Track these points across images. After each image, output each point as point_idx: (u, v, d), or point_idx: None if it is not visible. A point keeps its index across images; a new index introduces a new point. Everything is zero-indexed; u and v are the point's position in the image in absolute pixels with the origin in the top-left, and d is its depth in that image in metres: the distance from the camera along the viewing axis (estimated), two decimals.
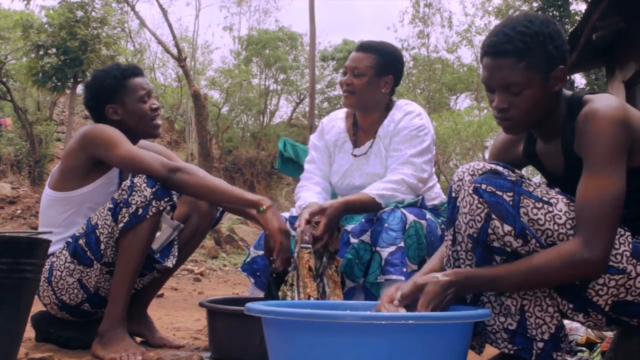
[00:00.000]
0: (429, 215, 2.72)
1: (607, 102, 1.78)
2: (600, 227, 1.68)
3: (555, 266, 1.70)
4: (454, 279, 1.74)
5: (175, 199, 2.63)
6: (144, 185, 2.51)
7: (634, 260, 1.73)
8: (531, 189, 1.79)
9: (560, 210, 1.76)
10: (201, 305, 2.56)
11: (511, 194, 1.77)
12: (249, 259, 2.88)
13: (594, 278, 1.73)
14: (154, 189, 2.51)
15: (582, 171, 1.77)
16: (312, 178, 3.00)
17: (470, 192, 1.80)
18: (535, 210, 1.76)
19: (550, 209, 1.76)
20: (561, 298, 1.79)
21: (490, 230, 1.78)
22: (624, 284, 1.74)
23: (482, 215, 1.78)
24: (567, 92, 1.93)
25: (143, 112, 2.75)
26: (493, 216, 1.76)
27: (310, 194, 2.87)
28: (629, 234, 1.77)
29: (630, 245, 1.75)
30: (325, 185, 3.00)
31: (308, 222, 2.44)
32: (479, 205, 1.78)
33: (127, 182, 2.54)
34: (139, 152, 2.59)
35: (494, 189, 1.78)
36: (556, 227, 1.75)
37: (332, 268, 2.46)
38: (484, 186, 1.79)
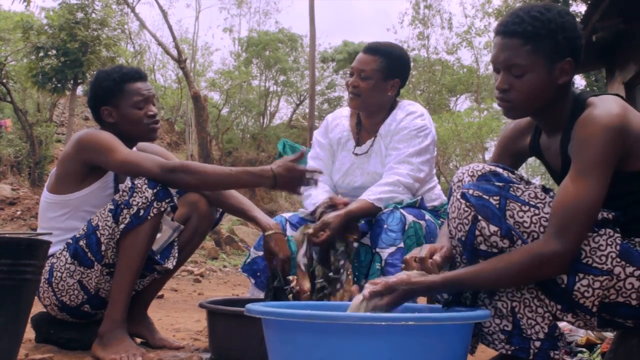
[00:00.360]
0: (428, 216, 2.73)
1: (607, 109, 1.77)
2: (569, 228, 1.70)
3: (519, 261, 1.72)
4: (416, 287, 1.77)
5: (175, 200, 2.62)
6: (145, 186, 2.50)
7: (623, 262, 1.74)
8: (519, 193, 1.82)
9: (547, 214, 1.78)
10: (201, 306, 2.56)
11: (497, 197, 1.80)
12: (249, 260, 2.89)
13: (558, 274, 1.74)
14: (155, 190, 2.51)
15: (568, 172, 1.79)
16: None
17: (458, 197, 1.85)
18: (521, 213, 1.78)
19: (537, 212, 1.79)
20: (549, 300, 1.80)
21: (477, 232, 1.80)
22: (614, 285, 1.74)
23: (469, 218, 1.81)
24: (576, 90, 1.94)
25: (137, 118, 2.72)
26: (479, 217, 1.79)
27: (320, 191, 2.87)
28: (618, 235, 1.77)
29: (618, 247, 1.75)
30: (330, 183, 3.00)
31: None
32: (466, 209, 1.82)
33: (128, 183, 2.53)
34: (134, 155, 2.58)
35: (480, 193, 1.81)
36: (542, 229, 1.78)
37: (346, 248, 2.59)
38: (471, 191, 1.83)
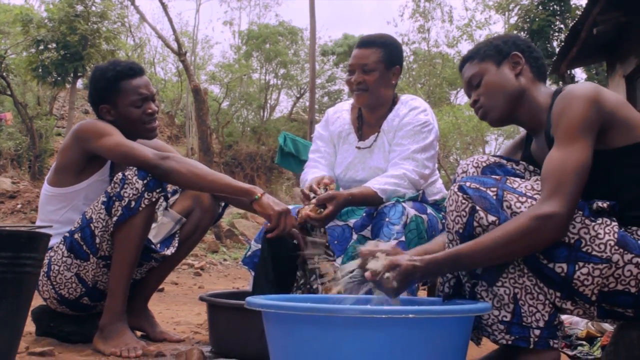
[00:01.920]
0: (430, 210, 2.72)
1: (579, 85, 1.89)
2: (560, 189, 1.73)
3: (516, 227, 1.72)
4: (419, 264, 1.77)
5: (167, 189, 2.62)
6: (136, 177, 2.50)
7: (621, 250, 1.75)
8: (515, 185, 1.85)
9: None
10: (201, 299, 2.56)
11: (495, 189, 1.83)
12: (249, 252, 2.88)
13: (556, 237, 1.74)
14: (145, 181, 2.50)
15: None
16: (317, 166, 3.00)
17: (456, 190, 1.87)
18: (518, 204, 1.80)
19: (534, 203, 1.80)
20: (547, 287, 1.80)
21: (475, 223, 1.82)
22: (612, 273, 1.75)
23: (467, 209, 1.84)
24: (552, 88, 2.05)
25: (134, 116, 2.70)
26: (477, 208, 1.82)
27: (317, 175, 2.87)
28: (615, 223, 1.78)
29: (616, 235, 1.76)
30: (330, 174, 2.99)
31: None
32: (464, 201, 1.85)
33: (119, 175, 2.53)
34: (130, 142, 2.59)
35: (477, 186, 1.85)
36: None
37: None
38: (468, 183, 1.86)
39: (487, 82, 2.07)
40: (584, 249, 1.75)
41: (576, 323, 2.82)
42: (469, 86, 2.14)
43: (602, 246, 1.75)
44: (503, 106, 2.05)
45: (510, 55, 2.07)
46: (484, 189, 1.83)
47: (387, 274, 1.75)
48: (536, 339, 1.81)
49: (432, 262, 1.79)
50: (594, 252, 1.75)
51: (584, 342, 2.68)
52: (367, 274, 1.78)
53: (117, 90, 2.69)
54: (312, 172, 2.93)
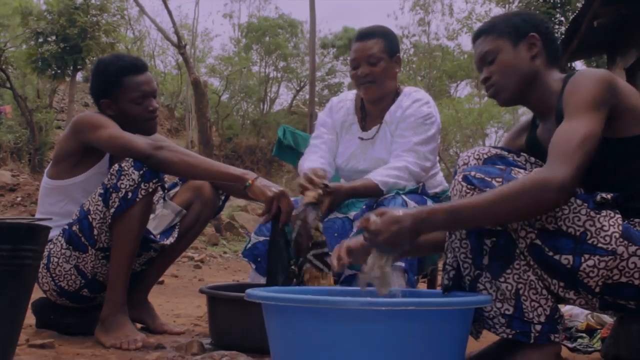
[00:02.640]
0: (429, 203, 2.72)
1: (594, 69, 1.89)
2: (565, 155, 1.71)
3: (520, 185, 1.70)
4: (409, 212, 1.73)
5: (164, 179, 2.62)
6: (132, 168, 2.49)
7: (625, 242, 1.75)
8: (520, 176, 1.83)
9: None
10: (201, 291, 2.56)
11: (500, 179, 1.82)
12: (249, 245, 2.88)
13: (557, 201, 1.71)
14: (141, 172, 2.49)
15: None
16: (317, 152, 2.99)
17: (460, 180, 1.85)
18: None
19: None
20: (551, 278, 1.80)
21: None
22: (617, 265, 1.75)
23: None
24: (563, 74, 2.02)
25: (134, 113, 2.70)
26: None
27: (315, 160, 2.88)
28: (619, 216, 1.78)
29: (620, 227, 1.76)
30: (329, 160, 2.99)
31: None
32: (468, 191, 1.83)
33: (116, 167, 2.52)
34: (125, 133, 2.58)
35: (482, 176, 1.83)
36: None
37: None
38: (473, 173, 1.84)
39: (502, 61, 2.03)
40: (590, 241, 1.75)
41: (576, 315, 2.82)
42: (481, 61, 2.09)
43: (608, 238, 1.74)
44: (515, 87, 2.03)
45: (528, 36, 2.02)
46: (489, 179, 1.81)
47: (373, 218, 1.72)
48: (537, 334, 1.81)
49: (426, 209, 1.75)
50: (599, 245, 1.74)
51: (583, 334, 2.68)
52: (357, 222, 1.76)
53: (119, 85, 2.68)
54: (310, 160, 2.92)
